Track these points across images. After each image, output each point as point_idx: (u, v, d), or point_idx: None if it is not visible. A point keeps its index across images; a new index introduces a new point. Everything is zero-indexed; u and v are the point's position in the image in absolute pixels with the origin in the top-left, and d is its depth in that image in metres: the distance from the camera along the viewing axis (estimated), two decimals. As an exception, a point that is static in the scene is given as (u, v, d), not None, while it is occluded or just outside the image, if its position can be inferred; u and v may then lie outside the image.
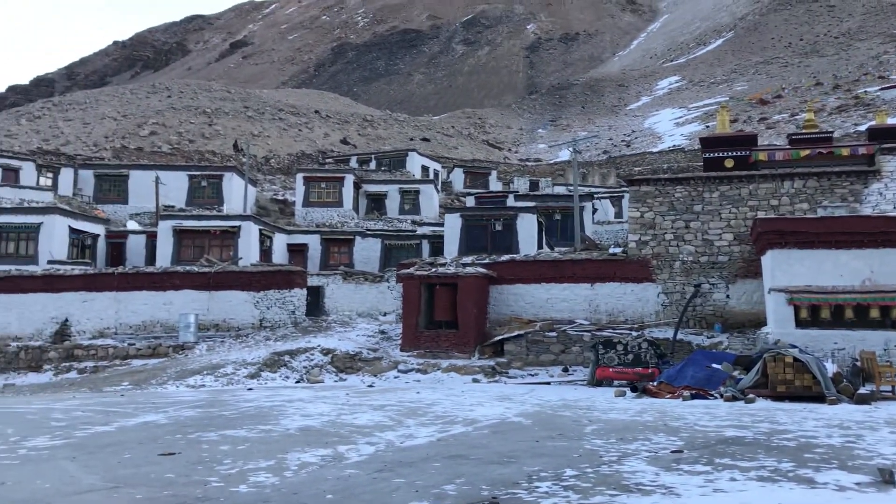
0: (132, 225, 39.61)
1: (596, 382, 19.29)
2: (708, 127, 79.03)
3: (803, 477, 7.56)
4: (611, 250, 25.62)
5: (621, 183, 55.79)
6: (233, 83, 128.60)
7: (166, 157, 60.81)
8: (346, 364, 22.42)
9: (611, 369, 19.21)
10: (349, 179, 47.97)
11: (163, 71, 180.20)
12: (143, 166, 48.71)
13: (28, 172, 45.45)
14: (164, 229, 34.05)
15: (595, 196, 46.24)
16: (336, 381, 21.15)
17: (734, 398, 15.19)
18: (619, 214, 48.66)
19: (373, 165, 61.14)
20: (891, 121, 49.92)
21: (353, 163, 61.99)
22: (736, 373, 16.57)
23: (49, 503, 6.92)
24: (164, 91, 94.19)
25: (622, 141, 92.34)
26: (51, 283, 28.08)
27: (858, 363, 17.26)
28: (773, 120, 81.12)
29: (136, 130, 75.98)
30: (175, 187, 44.93)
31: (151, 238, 35.56)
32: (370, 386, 19.81)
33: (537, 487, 7.23)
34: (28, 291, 27.93)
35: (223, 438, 10.53)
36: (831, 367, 16.03)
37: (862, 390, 15.34)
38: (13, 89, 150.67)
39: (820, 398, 14.99)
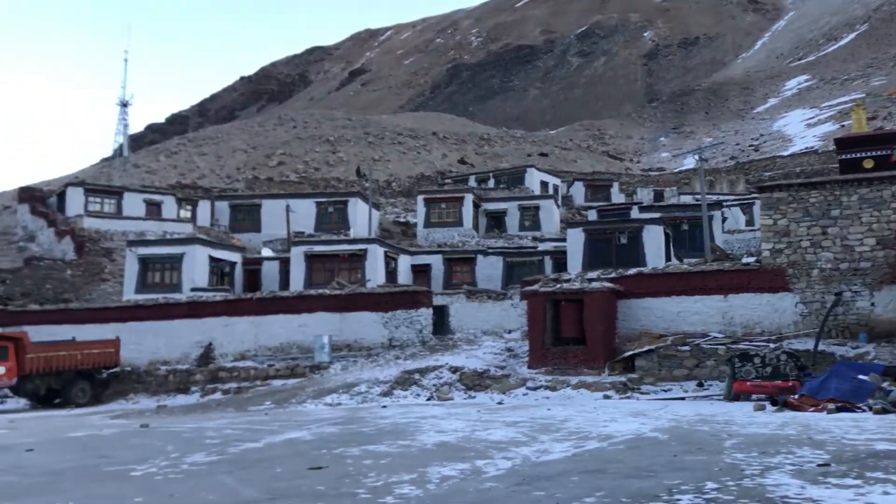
0: (266, 252, 41.53)
1: (733, 397, 18.70)
2: (843, 127, 75.06)
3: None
4: (744, 260, 24.84)
5: (751, 189, 53.82)
6: (353, 111, 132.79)
7: (294, 186, 63.48)
8: (475, 381, 22.68)
9: (748, 383, 18.58)
10: (468, 199, 48.54)
11: (287, 103, 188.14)
12: (274, 195, 51.09)
13: (169, 206, 48.58)
14: (297, 255, 35.53)
15: (724, 204, 44.80)
16: (465, 399, 21.44)
17: (884, 410, 14.42)
18: (749, 222, 46.96)
19: (491, 183, 61.61)
20: None
21: (472, 182, 62.68)
22: (885, 384, 15.74)
23: (215, 514, 7.46)
24: (290, 122, 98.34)
25: (750, 146, 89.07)
26: (195, 309, 29.86)
27: None
28: (916, 115, 76.19)
29: (265, 161, 79.68)
30: (304, 214, 46.85)
31: (284, 263, 37.16)
32: (499, 403, 19.98)
33: (678, 500, 7.20)
34: (175, 318, 29.80)
35: (365, 453, 10.97)
36: None
37: None
38: (150, 128, 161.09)
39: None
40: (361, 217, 47.29)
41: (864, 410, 14.99)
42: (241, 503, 8.04)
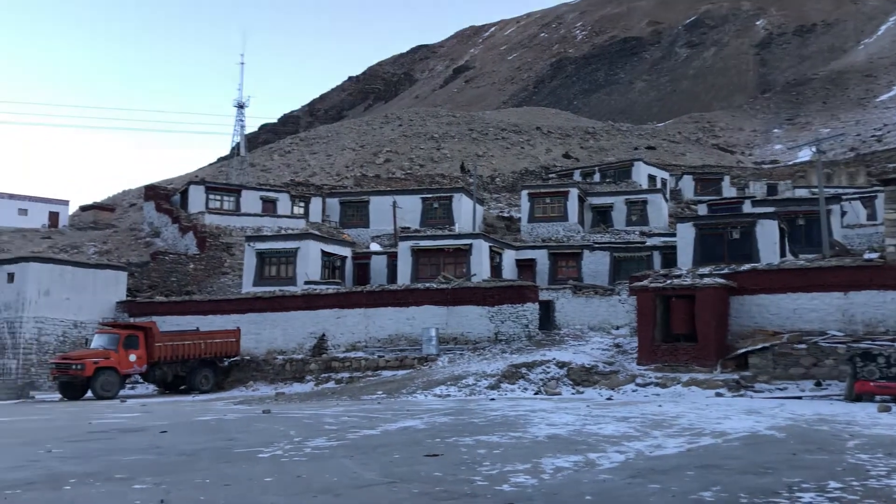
0: (374, 246, 42.58)
1: (854, 397, 18.01)
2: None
3: None
4: (865, 256, 23.78)
5: (873, 182, 51.19)
6: (456, 108, 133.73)
7: (400, 183, 64.63)
8: (582, 377, 22.67)
9: (871, 383, 17.85)
10: (573, 193, 48.22)
11: (393, 101, 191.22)
12: (381, 192, 52.23)
13: (283, 203, 50.43)
14: (404, 249, 36.29)
15: (843, 198, 42.86)
16: (573, 394, 21.47)
17: None
18: (871, 216, 44.71)
19: (597, 178, 60.96)
20: None
21: (577, 176, 62.19)
22: None
23: (342, 494, 7.88)
24: (396, 121, 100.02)
25: (872, 136, 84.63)
26: (309, 301, 31.01)
27: None
28: None
29: (373, 159, 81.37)
30: (410, 210, 47.73)
31: (391, 258, 38.03)
32: (608, 399, 19.93)
33: (799, 498, 7.14)
34: (290, 310, 31.05)
35: (478, 443, 11.24)
36: None
37: None
38: (264, 128, 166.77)
39: None
40: (466, 212, 47.75)
41: None
42: (364, 485, 8.43)
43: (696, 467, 8.93)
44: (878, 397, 17.48)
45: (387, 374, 26.09)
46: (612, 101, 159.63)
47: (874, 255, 23.51)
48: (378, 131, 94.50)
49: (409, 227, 45.07)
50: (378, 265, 39.26)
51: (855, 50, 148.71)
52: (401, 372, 25.88)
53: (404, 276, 35.54)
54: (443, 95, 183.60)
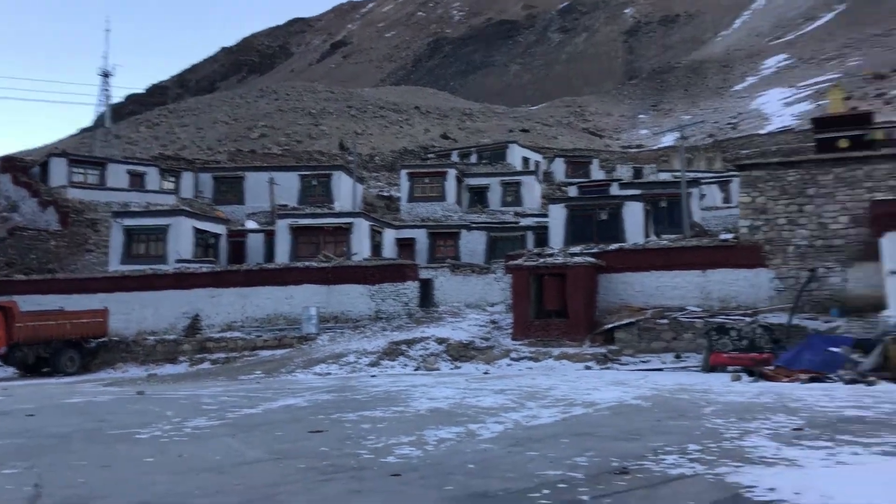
0: (250, 224, 41.69)
1: (710, 368, 19.41)
2: (819, 106, 75.98)
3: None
4: (721, 236, 25.53)
5: (728, 167, 54.61)
6: (334, 83, 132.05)
7: (277, 159, 63.38)
8: (460, 353, 23.23)
9: (725, 355, 19.29)
10: (451, 174, 48.86)
11: (268, 74, 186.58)
12: (257, 168, 51.05)
13: (152, 177, 48.36)
14: (282, 227, 35.77)
15: (702, 182, 45.52)
16: (452, 369, 21.99)
17: (854, 381, 15.15)
18: (726, 199, 47.76)
19: (473, 159, 61.92)
20: None
21: (455, 157, 62.94)
22: (855, 356, 16.46)
23: (227, 472, 7.89)
24: (272, 94, 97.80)
25: (728, 124, 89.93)
26: (182, 280, 30.12)
27: None
28: (893, 95, 77.31)
29: (247, 133, 79.36)
30: (287, 187, 46.91)
31: (269, 236, 37.39)
32: (485, 373, 20.55)
33: (664, 459, 7.73)
34: (161, 289, 30.04)
35: (362, 418, 11.44)
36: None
37: None
38: (131, 99, 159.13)
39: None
40: (345, 190, 47.47)
41: (834, 381, 15.70)
42: (249, 462, 8.46)
43: (571, 435, 9.47)
44: (730, 368, 18.89)
45: (265, 353, 25.79)
46: (489, 83, 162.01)
47: (729, 236, 25.27)
48: (252, 105, 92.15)
49: (286, 205, 44.34)
50: (255, 244, 38.52)
51: (713, 41, 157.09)
52: (280, 351, 25.66)
53: (283, 255, 35.07)
54: (320, 70, 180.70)
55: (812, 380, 15.88)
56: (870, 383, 14.83)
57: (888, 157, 23.28)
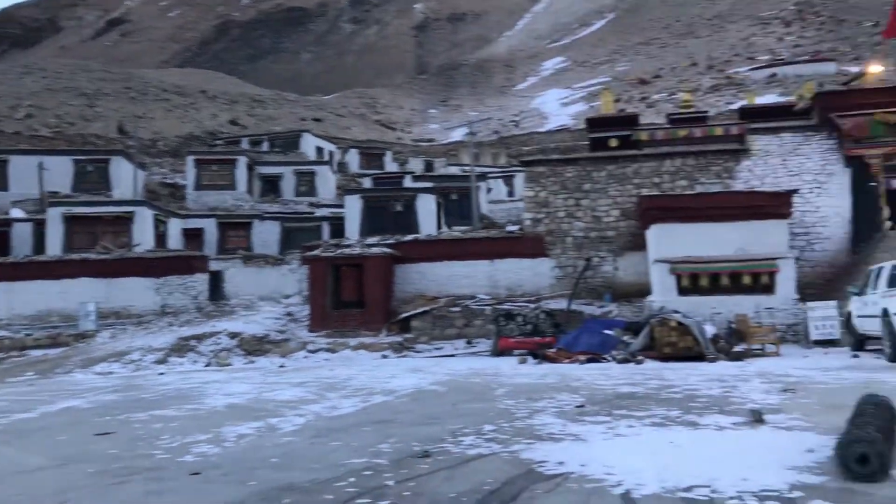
0: (16, 212, 38.04)
1: (498, 352, 20.43)
2: (592, 107, 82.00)
3: (689, 421, 8.71)
4: (508, 228, 26.89)
5: (512, 162, 57.46)
6: (111, 62, 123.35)
7: (47, 142, 58.25)
8: (254, 347, 22.73)
9: (512, 339, 20.40)
10: (242, 161, 47.45)
11: (33, 49, 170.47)
12: (25, 151, 46.65)
13: None
14: (54, 217, 32.99)
15: (489, 176, 47.58)
16: (246, 364, 21.45)
17: (626, 360, 16.61)
18: (511, 193, 50.22)
19: (265, 147, 60.48)
20: (759, 100, 53.41)
21: (245, 144, 61.14)
22: (626, 338, 18.03)
23: (5, 482, 7.23)
24: (39, 72, 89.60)
25: (511, 121, 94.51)
26: (-67, 274, 26.98)
27: (733, 325, 19.07)
28: (653, 99, 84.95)
29: (10, 113, 72.18)
30: (59, 173, 43.24)
31: (39, 226, 34.37)
32: (281, 366, 20.25)
33: (462, 441, 8.06)
34: None
35: (153, 418, 10.89)
36: (710, 330, 17.72)
37: (736, 349, 17.07)
38: None
39: (701, 357, 16.61)
40: (125, 177, 44.57)
41: (609, 361, 17.12)
42: (30, 470, 7.80)
43: (373, 423, 9.61)
44: (517, 351, 20.01)
45: (37, 353, 23.72)
46: (279, 70, 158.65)
47: (515, 228, 26.69)
48: (16, 82, 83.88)
49: (58, 192, 40.89)
50: (22, 234, 35.21)
51: (498, 41, 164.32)
52: (54, 350, 23.71)
53: (55, 247, 32.34)
54: (95, 48, 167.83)
55: (590, 360, 17.21)
56: (639, 362, 16.34)
57: (652, 157, 25.65)
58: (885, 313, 14.67)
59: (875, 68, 34.24)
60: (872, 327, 15.77)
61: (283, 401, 12.23)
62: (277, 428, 9.64)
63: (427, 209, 34.67)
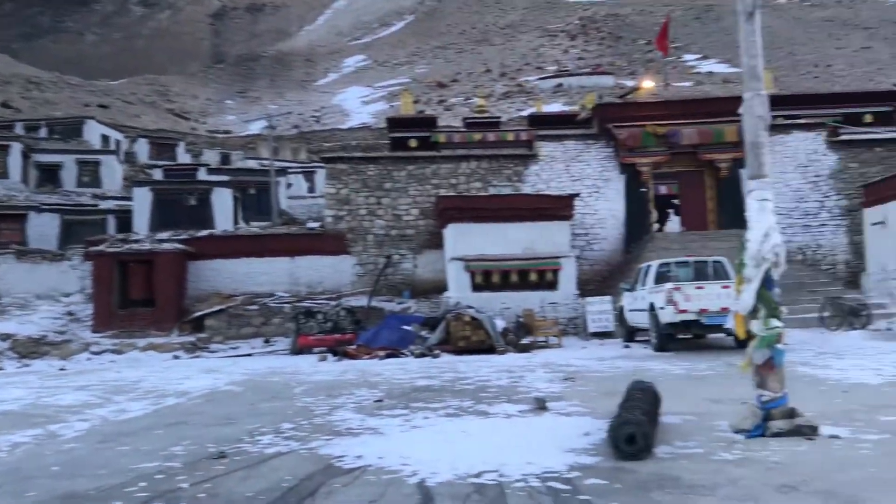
0: None
1: (298, 351, 20.31)
2: (392, 107, 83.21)
3: (480, 410, 9.22)
4: (308, 225, 26.71)
5: (313, 158, 57.03)
6: None
7: None
8: (30, 349, 21.00)
9: (311, 337, 20.35)
10: (16, 148, 43.39)
11: None
12: None
13: None
14: None
15: (289, 171, 46.92)
16: (20, 368, 19.73)
17: (423, 355, 17.14)
18: (312, 189, 49.84)
19: (43, 133, 55.64)
20: (547, 108, 56.78)
21: (19, 129, 55.90)
22: (424, 333, 18.60)
23: None
24: None
25: (312, 116, 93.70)
26: None
27: (521, 319, 20.24)
28: (451, 103, 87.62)
29: None
30: None
31: None
32: (62, 369, 18.85)
33: (260, 440, 8.02)
34: None
35: None
36: (501, 324, 18.70)
37: (524, 341, 18.16)
38: None
39: (492, 350, 17.51)
40: None
41: (408, 356, 17.58)
42: None
43: (165, 426, 9.28)
44: (316, 349, 19.99)
45: None
46: (60, 50, 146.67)
47: (316, 225, 26.58)
48: None
49: None
50: None
51: (298, 35, 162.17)
52: None
53: None
54: None
55: (389, 356, 17.57)
56: (435, 356, 16.92)
57: (449, 158, 26.55)
58: (652, 307, 16.25)
59: (647, 84, 37.63)
60: (641, 320, 17.40)
61: (64, 406, 11.46)
62: (58, 434, 9.06)
63: (223, 203, 33.57)
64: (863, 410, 8.01)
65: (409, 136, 31.99)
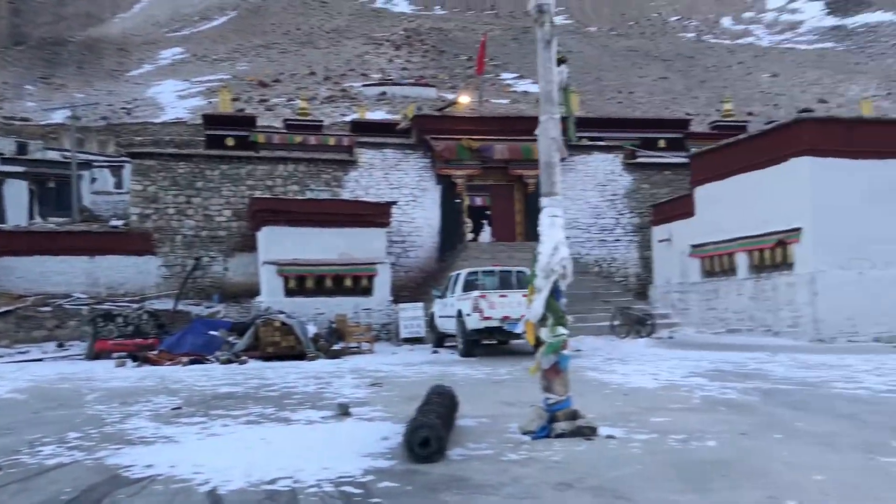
0: None
1: (95, 355, 19.12)
2: (211, 103, 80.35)
3: (283, 417, 9.15)
4: (112, 223, 25.27)
5: (121, 152, 53.88)
6: None
7: None
8: None
9: (110, 341, 19.25)
10: None
11: None
12: None
13: None
14: None
15: (94, 164, 44.07)
16: None
17: (230, 361, 16.71)
18: (119, 185, 47.04)
19: None
20: (370, 115, 57.13)
21: None
22: (231, 338, 18.14)
23: None
24: None
25: (122, 108, 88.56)
26: None
27: (334, 325, 20.25)
28: (273, 103, 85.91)
29: None
30: None
31: None
32: None
33: (41, 451, 7.53)
34: None
35: None
36: (313, 329, 18.62)
37: (335, 347, 18.19)
38: None
39: (302, 356, 17.39)
40: None
41: (213, 361, 17.06)
42: None
43: (-70, 438, 8.49)
44: (115, 354, 18.88)
45: None
46: None
47: (120, 223, 25.17)
48: None
49: None
50: None
51: (111, 21, 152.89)
52: None
53: None
54: None
55: (193, 362, 16.97)
56: (242, 362, 16.55)
57: (266, 160, 26.08)
58: (460, 314, 16.83)
59: (464, 99, 38.85)
60: (451, 326, 17.97)
61: None
62: None
63: (17, 196, 31.13)
64: (637, 412, 8.74)
65: (227, 134, 31.14)
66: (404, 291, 24.19)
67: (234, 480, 5.98)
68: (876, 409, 8.62)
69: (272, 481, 5.95)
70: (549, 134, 7.97)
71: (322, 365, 15.87)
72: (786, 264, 18.43)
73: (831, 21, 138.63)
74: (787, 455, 6.41)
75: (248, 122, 33.45)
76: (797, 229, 17.90)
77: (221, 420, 9.03)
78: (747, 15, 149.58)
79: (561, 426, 7.38)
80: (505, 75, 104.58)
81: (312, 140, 30.66)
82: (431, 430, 6.57)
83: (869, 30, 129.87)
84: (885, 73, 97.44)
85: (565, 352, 7.67)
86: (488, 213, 28.41)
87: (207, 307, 23.25)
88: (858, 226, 17.36)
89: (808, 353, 15.05)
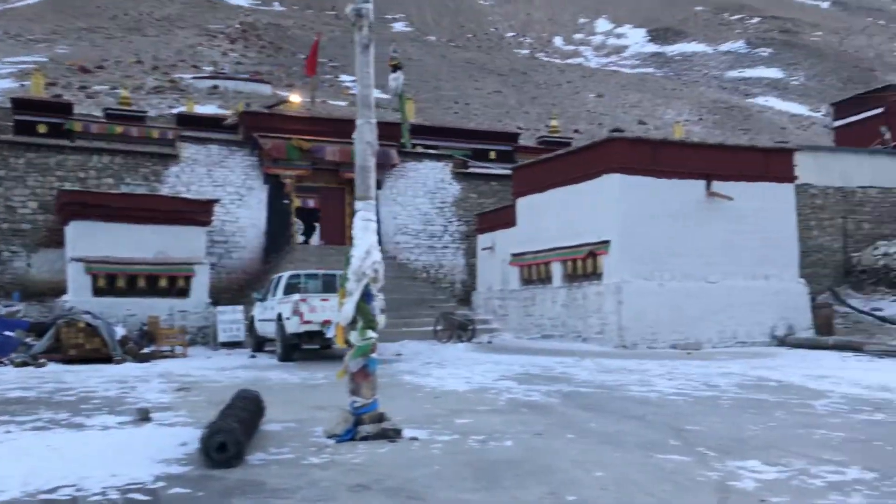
0: None
1: None
2: (24, 86, 74.39)
3: (75, 423, 8.62)
4: None
5: (-88, 133, 48.76)
6: None
7: None
8: None
9: None
10: None
11: None
12: None
13: None
14: None
15: None
16: None
17: (25, 364, 15.53)
18: None
19: None
20: (200, 109, 55.05)
21: None
22: (29, 339, 16.88)
23: None
24: None
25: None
26: None
27: (146, 327, 19.30)
28: (95, 90, 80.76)
29: None
30: None
31: None
32: None
33: None
34: None
35: None
36: (121, 331, 17.66)
37: (145, 350, 17.35)
38: None
39: (108, 359, 16.44)
40: None
41: (6, 364, 15.75)
42: None
43: None
44: None
45: None
46: None
47: None
48: None
49: None
50: None
51: None
52: None
53: None
54: None
55: (-18, 365, 15.62)
56: (40, 365, 15.40)
57: (79, 150, 24.46)
58: (279, 318, 16.54)
59: (295, 98, 38.23)
60: (271, 330, 17.61)
61: None
62: None
63: None
64: (444, 414, 8.96)
65: (39, 120, 29.12)
66: (226, 294, 23.43)
67: (10, 490, 5.60)
68: (661, 410, 9.32)
69: (52, 490, 5.62)
70: (364, 138, 8.03)
71: (129, 369, 15.08)
72: (595, 274, 19.52)
73: (652, 48, 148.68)
74: (575, 453, 6.80)
75: (65, 108, 31.42)
76: (606, 241, 19.02)
77: (4, 426, 8.39)
78: (577, 36, 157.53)
79: (366, 429, 7.43)
80: (344, 77, 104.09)
81: (134, 131, 29.24)
82: (229, 434, 6.43)
83: (685, 58, 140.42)
84: (697, 100, 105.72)
85: (373, 355, 7.74)
86: (321, 215, 28.12)
87: (6, 305, 21.42)
88: (661, 240, 18.72)
89: (612, 359, 16.03)
